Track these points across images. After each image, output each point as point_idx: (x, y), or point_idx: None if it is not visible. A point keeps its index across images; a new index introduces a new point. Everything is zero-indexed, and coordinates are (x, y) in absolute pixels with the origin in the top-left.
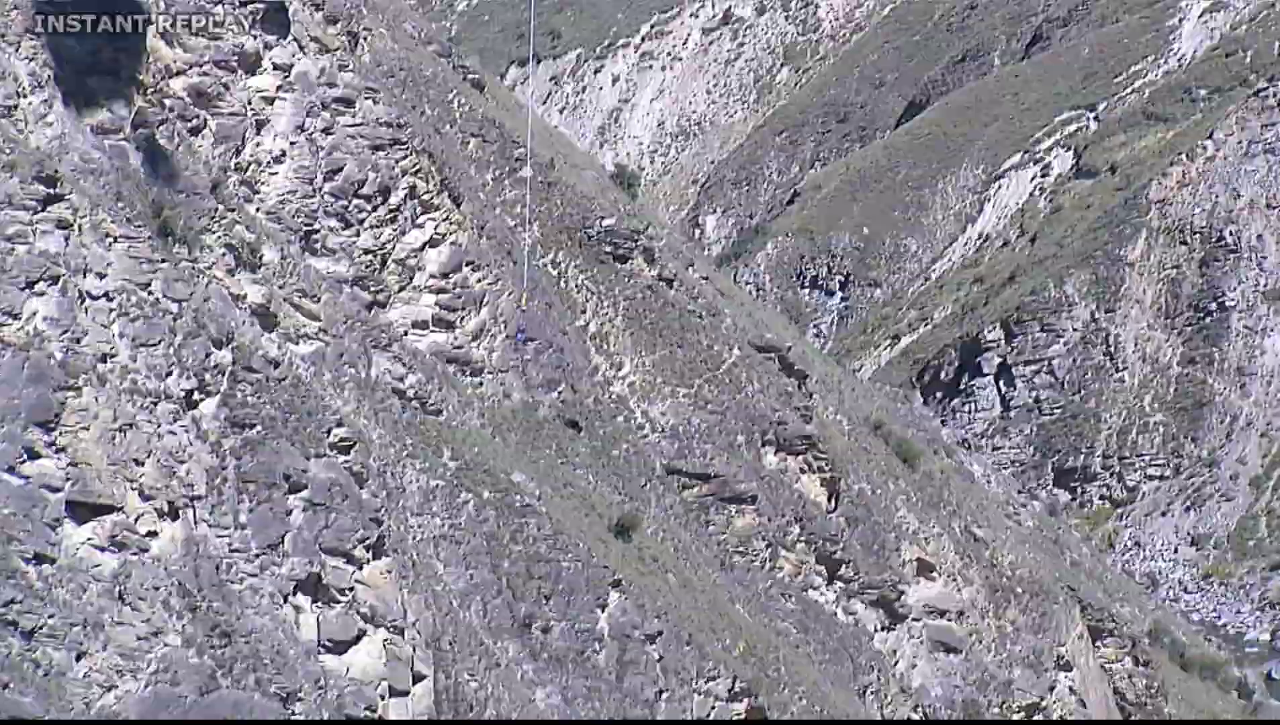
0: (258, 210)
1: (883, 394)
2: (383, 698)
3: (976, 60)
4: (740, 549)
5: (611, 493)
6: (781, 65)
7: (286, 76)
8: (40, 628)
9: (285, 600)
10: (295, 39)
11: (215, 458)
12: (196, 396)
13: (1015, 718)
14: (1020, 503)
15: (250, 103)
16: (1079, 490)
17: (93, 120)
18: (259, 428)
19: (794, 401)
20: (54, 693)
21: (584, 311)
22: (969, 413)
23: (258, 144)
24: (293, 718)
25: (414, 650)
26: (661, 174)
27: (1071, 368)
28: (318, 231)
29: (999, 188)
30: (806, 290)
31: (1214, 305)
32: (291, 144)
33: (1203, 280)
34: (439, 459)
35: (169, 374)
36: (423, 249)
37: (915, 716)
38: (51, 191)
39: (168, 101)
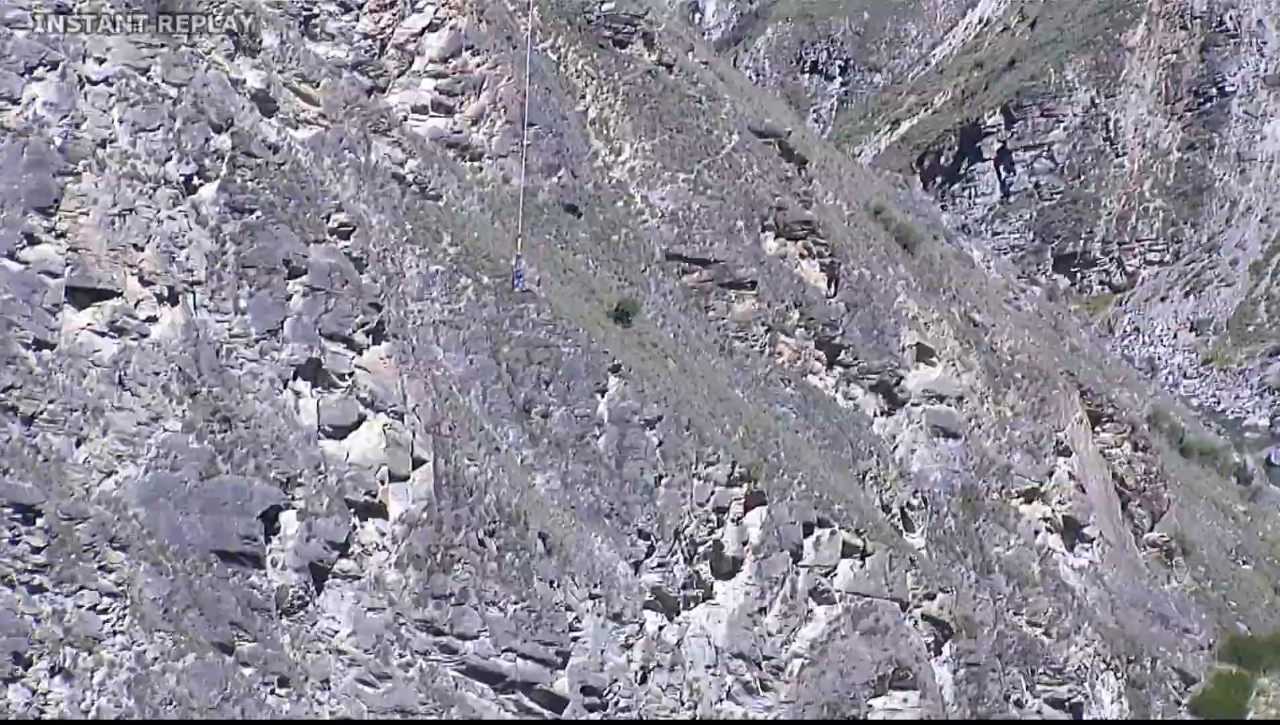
0: None
1: (882, 179)
2: (382, 482)
3: None
4: (740, 334)
5: (611, 278)
6: None
7: None
8: (40, 413)
9: (285, 385)
10: None
11: (215, 243)
12: (196, 182)
13: (1014, 502)
14: (1020, 288)
15: None
16: (1078, 275)
17: None
18: (258, 213)
19: (793, 186)
20: (54, 478)
21: (583, 96)
22: (968, 198)
23: None
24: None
25: (414, 435)
26: None
27: (1071, 153)
28: (317, 16)
29: None
30: (806, 75)
31: (1214, 90)
32: None
33: (1203, 65)
34: (439, 244)
35: (168, 159)
36: (422, 33)
37: (915, 501)
38: None
39: None
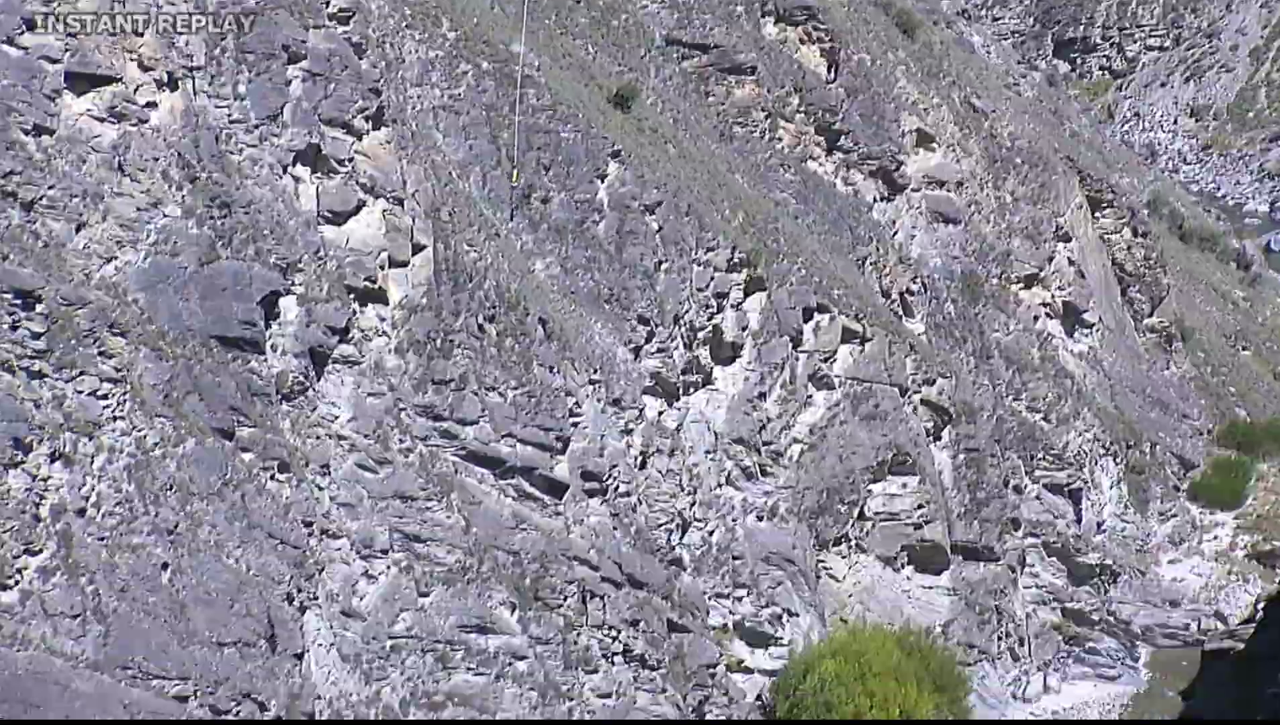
0: None
1: None
2: (382, 268)
3: None
4: (740, 120)
5: (611, 63)
6: None
7: None
8: (40, 199)
9: (285, 171)
10: None
11: (214, 28)
12: None
13: (1013, 288)
14: (1020, 73)
15: None
16: (1079, 61)
17: None
18: None
19: None
20: (53, 264)
21: None
22: None
23: None
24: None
25: (413, 221)
26: None
27: None
28: None
29: None
30: None
31: None
32: None
33: None
34: (438, 29)
35: None
36: None
37: (914, 287)
38: None
39: None
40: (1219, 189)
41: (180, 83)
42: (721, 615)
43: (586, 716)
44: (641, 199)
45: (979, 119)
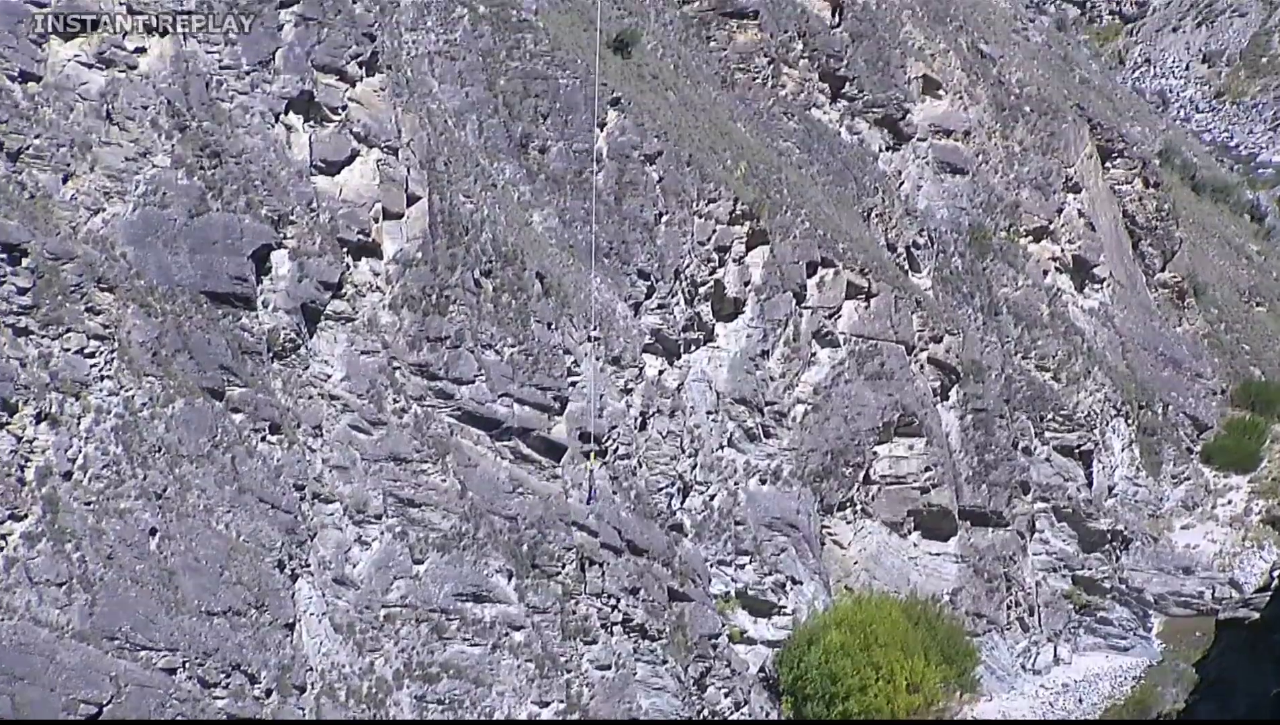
0: None
1: None
2: (376, 220)
3: None
4: (742, 66)
5: (610, 7)
6: None
7: None
8: (26, 149)
9: (277, 119)
10: None
11: None
12: None
13: (1021, 241)
14: (1028, 18)
15: None
16: (1088, 5)
17: None
18: None
19: None
20: (40, 216)
21: None
22: None
23: None
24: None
25: (408, 171)
26: None
27: None
28: None
29: None
30: None
31: None
32: None
33: None
34: None
35: None
36: None
37: (920, 240)
38: None
39: None
40: (1232, 138)
41: (170, 28)
42: (723, 583)
43: (585, 690)
44: (642, 148)
45: (987, 65)
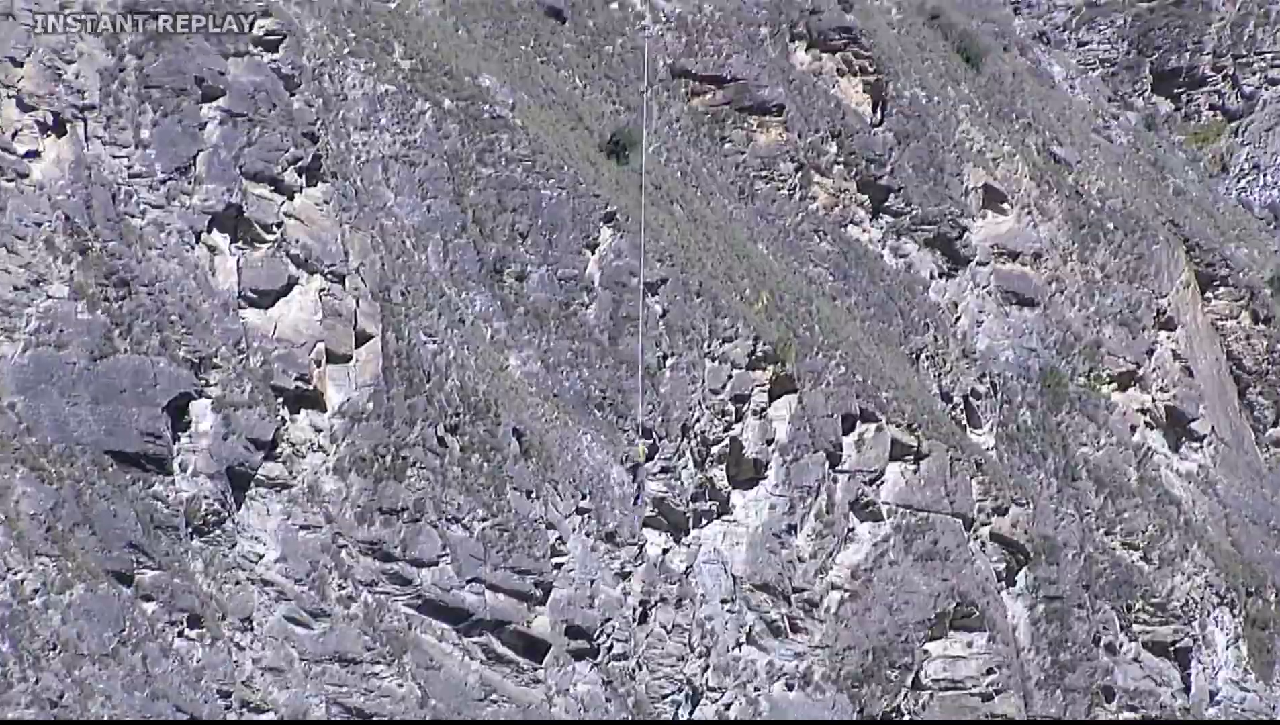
0: None
1: None
2: (318, 364)
3: None
4: (764, 173)
5: (604, 101)
6: None
7: None
8: None
9: (198, 239)
10: None
11: (111, 56)
12: None
13: (1104, 389)
14: (1111, 114)
15: None
16: (1184, 98)
17: None
18: (165, 17)
19: None
20: None
21: None
22: None
23: None
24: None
25: (357, 303)
26: None
27: None
28: None
29: None
30: None
31: None
32: None
33: None
34: (389, 58)
35: None
36: None
37: (981, 387)
38: None
39: None
40: None
41: (69, 125)
42: None
43: None
44: (641, 275)
45: (1061, 172)
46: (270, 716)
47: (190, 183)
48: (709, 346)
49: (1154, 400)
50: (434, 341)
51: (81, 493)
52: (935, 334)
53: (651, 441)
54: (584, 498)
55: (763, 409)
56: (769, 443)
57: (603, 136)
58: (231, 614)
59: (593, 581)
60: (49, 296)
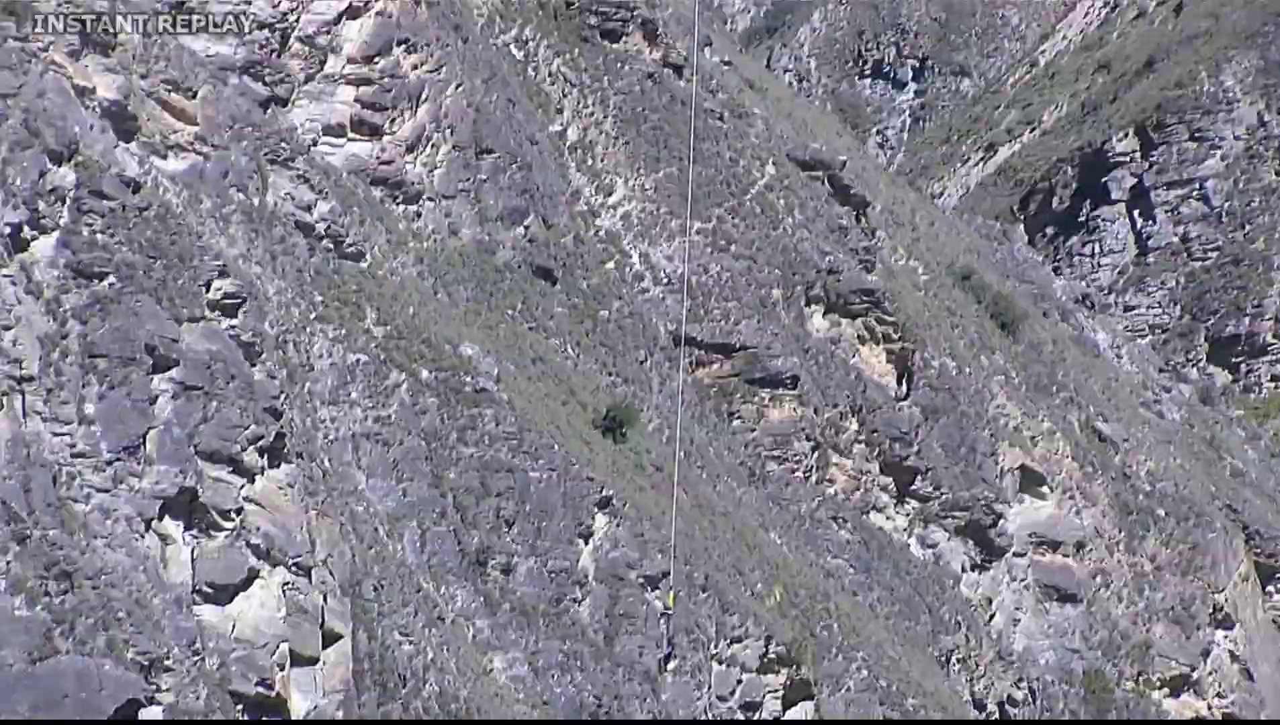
0: None
1: (972, 230)
2: (281, 666)
3: None
4: (776, 453)
5: (599, 371)
6: None
7: None
8: None
9: (148, 527)
10: None
11: (52, 321)
12: (27, 233)
13: (1155, 694)
14: (1162, 387)
15: None
16: (1243, 368)
17: None
18: (112, 279)
19: (850, 241)
20: None
21: (560, 111)
22: (1092, 257)
23: None
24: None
25: (325, 599)
26: None
27: (1232, 192)
28: None
29: None
30: (867, 81)
31: None
32: None
33: None
34: (360, 323)
35: None
36: (338, 21)
37: (1019, 694)
38: None
39: None
40: None
41: (5, 399)
42: None
43: None
44: (640, 568)
45: (1106, 452)
46: None
47: (139, 464)
48: (716, 648)
49: (1210, 707)
50: (410, 642)
51: None
52: (967, 634)
53: None
54: None
55: (776, 718)
56: None
57: (597, 412)
58: None
59: None
60: None
